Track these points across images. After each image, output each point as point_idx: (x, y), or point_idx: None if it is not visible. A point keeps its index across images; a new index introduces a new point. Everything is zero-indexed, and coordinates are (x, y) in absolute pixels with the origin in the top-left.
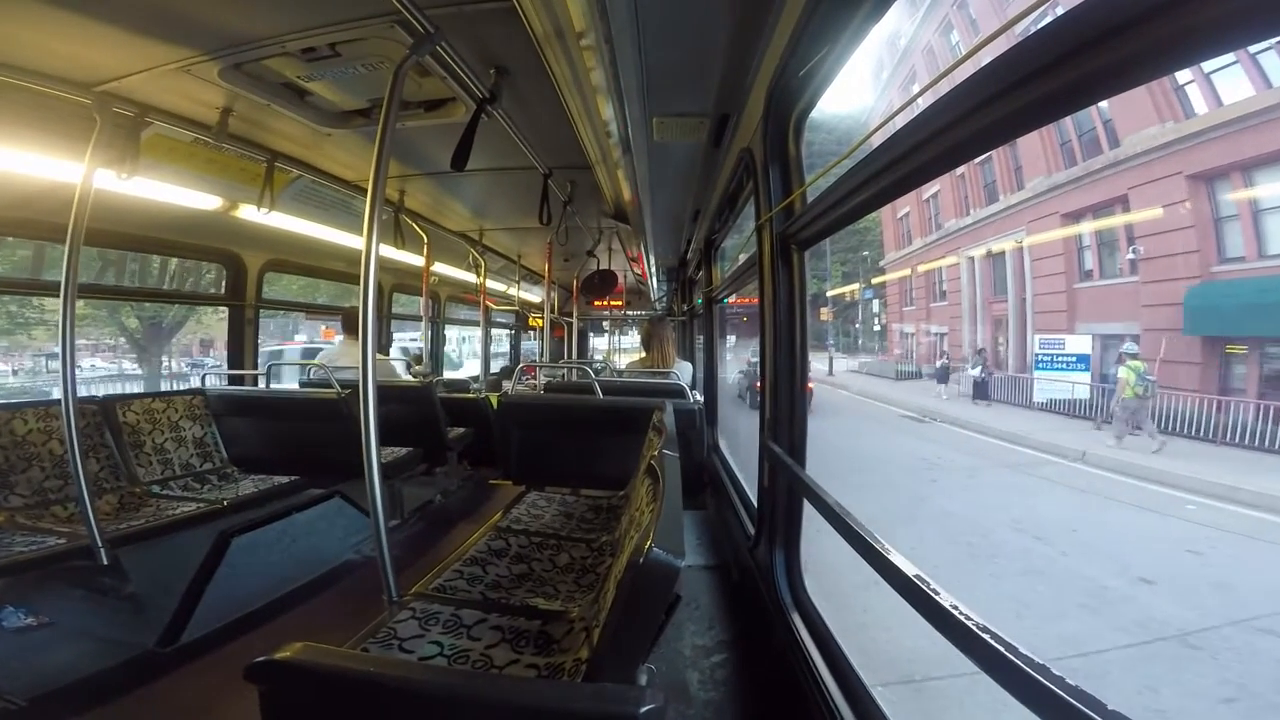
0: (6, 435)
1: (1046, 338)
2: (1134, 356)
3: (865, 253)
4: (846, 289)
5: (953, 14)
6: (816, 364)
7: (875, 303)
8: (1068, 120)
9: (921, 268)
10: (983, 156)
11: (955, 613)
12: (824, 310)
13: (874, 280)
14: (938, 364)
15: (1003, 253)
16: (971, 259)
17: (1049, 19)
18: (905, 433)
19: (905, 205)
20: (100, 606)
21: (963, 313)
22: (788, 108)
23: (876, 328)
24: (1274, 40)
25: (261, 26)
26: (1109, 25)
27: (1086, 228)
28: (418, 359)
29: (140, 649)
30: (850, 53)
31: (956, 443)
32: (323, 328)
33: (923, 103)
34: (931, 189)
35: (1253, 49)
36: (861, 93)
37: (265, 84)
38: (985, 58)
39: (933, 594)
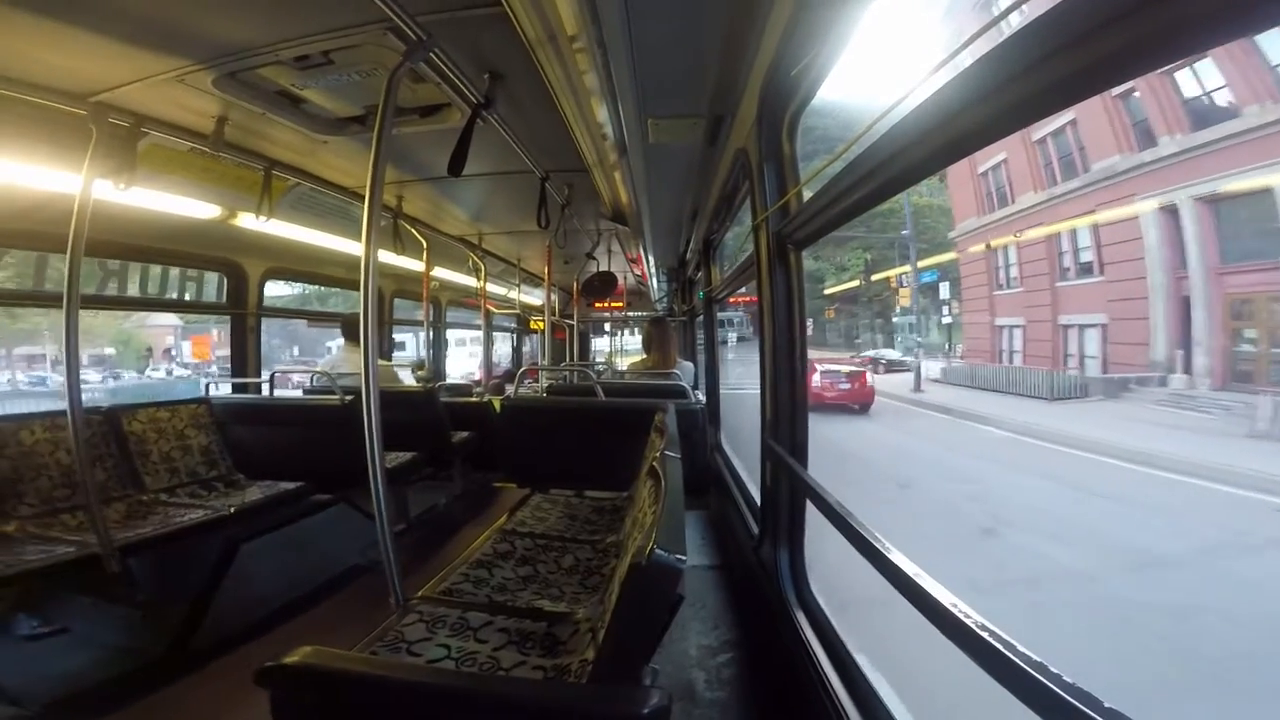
0: (14, 445)
1: None
2: None
3: (904, 230)
4: (890, 273)
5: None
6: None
7: (944, 286)
8: None
9: (1032, 232)
10: (1175, 63)
11: (954, 610)
12: (903, 292)
13: (925, 263)
14: None
15: (1260, 190)
16: (1173, 206)
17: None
18: None
19: (999, 151)
20: (110, 614)
21: (1150, 290)
22: (781, 107)
23: (946, 319)
24: None
25: (254, 35)
26: (1118, 7)
27: None
28: (420, 364)
29: (151, 655)
30: (842, 50)
31: None
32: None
33: (920, 96)
34: (1061, 119)
35: None
36: (863, 87)
37: (260, 92)
38: (984, 48)
39: (933, 592)
